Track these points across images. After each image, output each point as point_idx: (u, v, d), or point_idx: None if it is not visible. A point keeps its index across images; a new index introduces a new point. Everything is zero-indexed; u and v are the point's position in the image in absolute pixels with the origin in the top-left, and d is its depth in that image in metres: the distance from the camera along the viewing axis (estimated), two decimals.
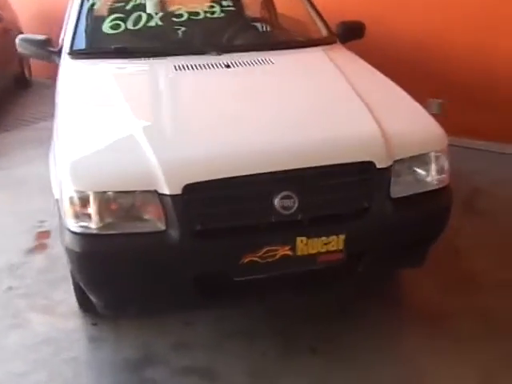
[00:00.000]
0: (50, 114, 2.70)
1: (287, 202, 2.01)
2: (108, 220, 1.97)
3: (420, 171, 2.22)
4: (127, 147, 2.08)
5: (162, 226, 1.96)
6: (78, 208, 1.97)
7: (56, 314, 2.69)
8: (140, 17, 2.96)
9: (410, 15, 4.23)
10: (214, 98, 2.46)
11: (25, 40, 2.99)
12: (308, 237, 2.03)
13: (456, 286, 2.76)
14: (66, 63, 2.84)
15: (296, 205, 2.02)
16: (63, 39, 2.97)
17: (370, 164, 2.10)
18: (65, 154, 2.10)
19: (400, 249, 2.22)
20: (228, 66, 2.69)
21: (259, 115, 2.29)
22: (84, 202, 1.96)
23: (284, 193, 2.01)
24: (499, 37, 3.96)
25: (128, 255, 1.98)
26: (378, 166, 2.11)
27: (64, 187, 2.00)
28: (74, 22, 2.96)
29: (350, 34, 3.19)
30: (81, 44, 2.95)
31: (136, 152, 2.03)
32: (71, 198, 1.98)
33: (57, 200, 2.21)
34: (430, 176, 2.23)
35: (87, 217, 1.97)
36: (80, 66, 2.81)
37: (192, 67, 2.68)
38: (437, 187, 2.24)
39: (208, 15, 3.01)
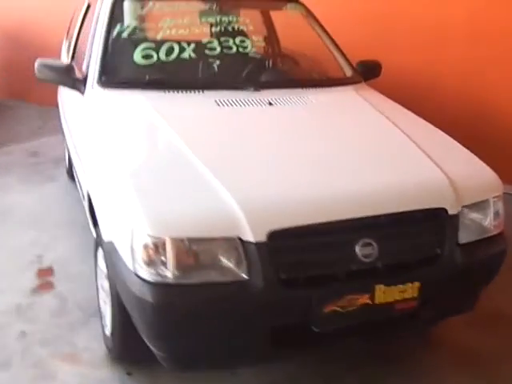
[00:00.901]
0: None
1: (368, 250, 1.96)
2: (186, 268, 1.84)
3: (480, 216, 2.24)
4: (201, 189, 1.96)
5: (244, 275, 1.85)
6: (152, 255, 1.83)
7: (83, 363, 2.47)
8: (172, 48, 2.85)
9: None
10: (270, 136, 2.39)
11: (45, 66, 2.80)
12: (386, 285, 1.98)
13: (487, 324, 2.78)
14: (95, 93, 2.69)
15: (376, 252, 1.97)
16: (88, 66, 2.81)
17: (443, 210, 2.10)
18: (133, 197, 1.95)
19: (461, 294, 2.23)
20: (270, 104, 2.63)
21: (322, 157, 2.23)
22: (159, 248, 1.83)
23: (365, 240, 1.96)
24: None
25: (207, 306, 1.86)
26: (450, 213, 2.11)
27: (135, 232, 1.86)
28: (101, 49, 2.80)
29: (368, 73, 3.23)
30: (112, 73, 2.79)
31: (212, 195, 1.93)
32: (145, 245, 1.84)
33: (110, 242, 2.07)
34: (489, 221, 2.25)
35: (162, 264, 1.83)
36: (114, 97, 2.66)
37: (233, 103, 2.60)
38: (495, 232, 2.27)
39: (240, 50, 2.95)
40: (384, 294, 1.98)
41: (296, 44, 3.32)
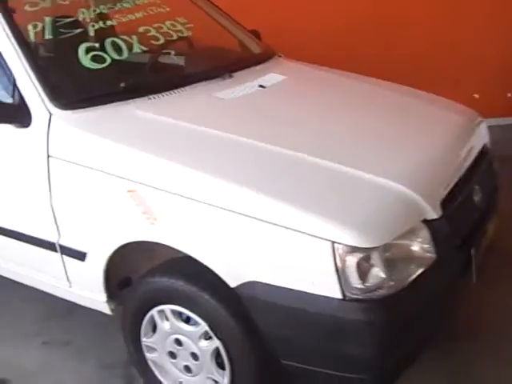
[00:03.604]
0: None
1: (478, 195, 2.10)
2: (394, 273, 1.65)
3: None
4: (354, 187, 1.76)
5: (433, 255, 1.75)
6: (365, 269, 1.60)
7: None
8: (115, 43, 2.26)
9: None
10: (313, 116, 2.20)
11: None
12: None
13: None
14: (58, 120, 1.99)
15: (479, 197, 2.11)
16: (21, 91, 2.02)
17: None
18: (303, 215, 1.63)
19: None
20: (262, 87, 2.38)
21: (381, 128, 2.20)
22: (369, 260, 1.61)
23: (476, 187, 2.10)
24: None
25: (426, 300, 1.73)
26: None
27: (339, 249, 1.57)
28: (29, 61, 2.04)
29: None
30: (68, 90, 2.09)
31: (375, 189, 1.76)
32: (358, 260, 1.58)
33: (252, 282, 1.69)
34: None
35: (374, 277, 1.62)
36: (95, 118, 2.01)
37: (228, 94, 2.27)
38: None
39: (180, 35, 2.52)
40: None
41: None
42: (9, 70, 2.07)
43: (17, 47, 2.08)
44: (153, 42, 2.40)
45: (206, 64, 2.55)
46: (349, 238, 1.59)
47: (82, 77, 2.18)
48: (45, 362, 2.49)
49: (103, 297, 2.13)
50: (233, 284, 1.76)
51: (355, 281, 1.60)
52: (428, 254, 1.75)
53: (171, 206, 1.82)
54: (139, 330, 2.06)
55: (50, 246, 2.16)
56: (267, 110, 2.24)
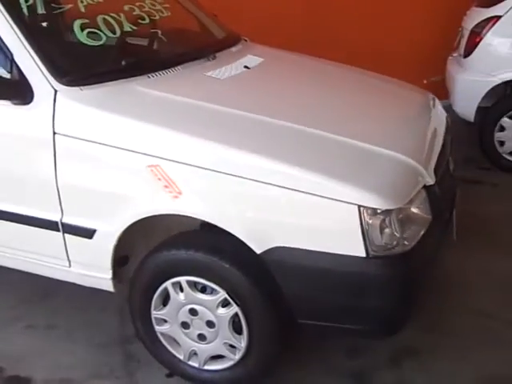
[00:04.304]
0: None
1: None
2: (406, 233, 1.85)
3: None
4: (368, 158, 1.93)
5: (429, 217, 1.97)
6: (387, 229, 1.78)
7: None
8: (106, 20, 2.23)
9: None
10: (307, 95, 2.33)
11: None
12: None
13: None
14: (63, 97, 1.97)
15: None
16: (21, 67, 1.97)
17: None
18: (328, 181, 1.77)
19: None
20: (247, 67, 2.47)
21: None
22: (388, 221, 1.78)
23: None
24: None
25: (430, 255, 1.95)
26: None
27: (365, 212, 1.74)
28: (26, 37, 1.98)
29: None
30: (72, 66, 2.05)
31: (385, 160, 1.95)
32: (381, 221, 1.76)
33: (279, 248, 1.80)
34: None
35: (393, 237, 1.79)
36: (101, 95, 2.00)
37: (219, 74, 2.34)
38: None
39: (161, 14, 2.52)
40: None
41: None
42: (5, 45, 2.00)
43: (11, 21, 2.02)
44: (139, 20, 2.41)
45: (190, 45, 2.60)
46: (373, 201, 1.76)
47: (82, 54, 2.16)
48: (34, 345, 2.45)
49: (109, 274, 2.14)
50: (259, 250, 1.87)
51: (377, 240, 1.78)
52: (426, 216, 1.97)
53: (196, 179, 1.88)
54: (150, 303, 2.10)
55: (50, 224, 2.13)
56: (263, 88, 2.36)
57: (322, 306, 1.91)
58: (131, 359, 2.37)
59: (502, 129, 4.06)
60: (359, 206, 1.75)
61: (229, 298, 1.97)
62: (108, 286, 2.20)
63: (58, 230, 2.13)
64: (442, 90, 4.51)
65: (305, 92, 2.39)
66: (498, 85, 4.02)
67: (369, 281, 1.82)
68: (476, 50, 4.06)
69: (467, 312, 2.58)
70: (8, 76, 2.00)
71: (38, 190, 2.11)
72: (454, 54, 4.61)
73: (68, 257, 2.19)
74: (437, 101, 2.74)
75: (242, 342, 2.03)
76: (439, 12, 5.15)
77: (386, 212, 1.78)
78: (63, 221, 2.10)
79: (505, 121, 4.04)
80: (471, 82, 4.10)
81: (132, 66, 2.20)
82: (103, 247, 2.08)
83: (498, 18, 3.95)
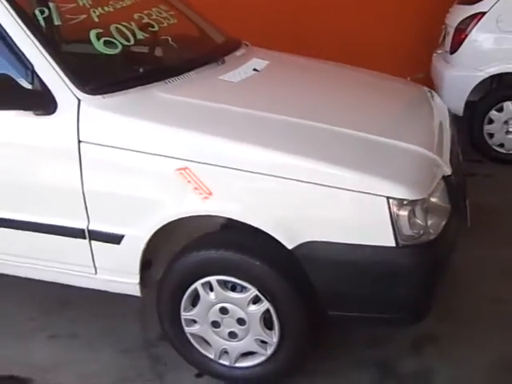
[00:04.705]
0: None
1: None
2: (432, 222, 1.92)
3: None
4: (392, 152, 2.01)
5: (448, 206, 2.04)
6: (413, 219, 1.84)
7: None
8: (119, 28, 2.26)
9: None
10: (319, 94, 2.40)
11: None
12: None
13: None
14: (87, 105, 1.99)
15: None
16: (42, 78, 1.99)
17: None
18: (358, 174, 1.85)
19: None
20: (256, 70, 2.53)
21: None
22: (415, 211, 1.85)
23: None
24: None
25: (452, 242, 2.03)
26: None
27: (393, 202, 1.81)
28: (46, 48, 2.00)
29: None
30: (93, 75, 2.08)
31: (408, 153, 2.03)
32: (409, 211, 1.82)
33: (311, 242, 1.86)
34: None
35: (420, 226, 1.87)
36: (124, 103, 2.04)
37: (233, 78, 2.39)
38: None
39: (169, 22, 2.56)
40: None
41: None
42: (25, 57, 2.02)
43: (29, 33, 2.04)
44: (150, 28, 2.45)
45: (199, 50, 2.65)
46: (401, 192, 1.83)
47: (101, 62, 2.20)
48: (58, 355, 2.46)
49: (136, 279, 2.17)
50: (290, 246, 1.92)
51: (406, 230, 1.84)
52: (445, 205, 2.05)
53: (225, 179, 1.93)
54: (179, 304, 2.14)
55: (76, 233, 2.15)
56: (277, 89, 2.42)
57: (353, 297, 1.97)
58: (158, 362, 2.39)
59: (491, 121, 4.20)
60: (388, 198, 1.82)
61: (260, 295, 2.02)
62: (135, 290, 2.22)
63: (85, 238, 2.15)
64: (426, 86, 4.69)
65: (317, 92, 2.46)
66: (484, 79, 4.16)
67: (398, 270, 1.89)
68: (462, 46, 4.19)
69: (479, 298, 2.67)
70: (29, 87, 2.02)
71: (63, 199, 2.13)
72: (439, 51, 4.75)
73: (94, 264, 2.20)
74: (435, 94, 2.85)
75: (273, 338, 2.08)
76: (422, 10, 5.29)
77: (413, 202, 1.85)
78: (90, 228, 2.13)
79: (493, 114, 4.18)
80: (459, 78, 4.23)
81: (150, 72, 2.25)
82: (132, 252, 2.11)
83: (483, 14, 4.09)
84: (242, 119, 2.07)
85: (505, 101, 4.12)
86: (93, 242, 2.15)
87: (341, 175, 1.86)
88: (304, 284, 1.99)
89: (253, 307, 2.05)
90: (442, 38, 4.67)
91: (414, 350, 2.40)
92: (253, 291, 2.03)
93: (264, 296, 2.02)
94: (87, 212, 2.11)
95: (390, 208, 1.82)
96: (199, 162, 1.93)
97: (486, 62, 4.12)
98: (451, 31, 4.34)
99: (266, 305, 2.03)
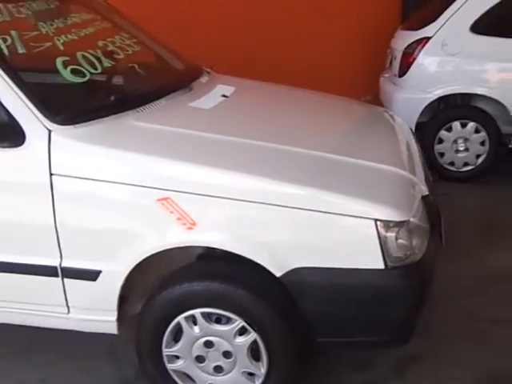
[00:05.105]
0: None
1: None
2: (413, 244, 1.92)
3: None
4: (373, 175, 2.02)
5: (428, 226, 2.06)
6: (401, 240, 1.84)
7: None
8: (85, 56, 2.17)
9: None
10: (289, 120, 2.39)
11: None
12: None
13: None
14: (58, 137, 1.90)
15: None
16: (8, 109, 1.88)
17: None
18: (344, 198, 1.84)
19: None
20: (225, 96, 2.50)
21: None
22: (401, 232, 1.85)
23: None
24: None
25: (432, 260, 2.03)
26: None
27: (380, 224, 1.81)
28: (11, 78, 1.89)
29: None
30: (61, 105, 1.96)
31: (389, 175, 2.05)
32: (396, 233, 1.83)
33: (298, 269, 1.83)
34: None
35: (406, 248, 1.87)
36: (97, 133, 1.95)
37: (202, 104, 2.35)
38: None
39: (133, 49, 2.50)
40: None
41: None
42: None
43: None
44: (115, 56, 2.38)
45: (165, 77, 2.60)
46: (388, 214, 1.83)
47: (70, 91, 2.10)
48: None
49: (114, 316, 2.06)
50: (279, 273, 1.88)
51: (394, 251, 1.84)
52: (425, 225, 2.07)
53: (209, 208, 1.87)
54: (160, 340, 2.04)
55: (47, 270, 2.02)
56: (250, 115, 2.41)
57: (342, 322, 1.95)
58: None
59: (441, 141, 4.35)
60: (376, 220, 1.82)
61: (247, 326, 1.97)
62: (112, 328, 2.11)
63: (57, 276, 2.03)
64: None
65: (287, 116, 2.46)
66: (433, 101, 4.33)
67: (388, 291, 1.88)
68: (410, 69, 4.34)
69: (448, 314, 2.71)
70: None
71: (32, 236, 2.01)
72: (386, 75, 4.90)
73: (67, 303, 2.08)
74: (394, 114, 2.91)
75: (261, 369, 2.02)
76: (367, 35, 5.50)
77: (399, 224, 1.85)
78: (63, 265, 2.01)
79: (442, 133, 4.33)
80: (409, 100, 4.37)
81: (121, 100, 2.18)
82: (109, 288, 2.00)
83: (428, 38, 4.27)
84: (221, 147, 2.03)
85: (453, 121, 4.30)
86: (66, 279, 2.03)
87: (327, 199, 1.84)
88: (292, 312, 1.95)
89: (240, 339, 1.99)
90: (388, 61, 4.84)
91: (399, 371, 2.39)
92: (239, 322, 1.97)
93: (251, 327, 1.97)
94: (60, 248, 2.00)
95: (377, 230, 1.82)
96: (181, 192, 1.87)
97: (434, 84, 4.28)
98: (399, 55, 4.50)
99: (253, 336, 1.97)
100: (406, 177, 2.08)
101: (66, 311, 2.10)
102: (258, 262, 1.89)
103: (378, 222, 1.82)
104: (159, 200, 1.88)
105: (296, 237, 1.87)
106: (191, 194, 1.87)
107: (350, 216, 1.83)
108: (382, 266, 1.84)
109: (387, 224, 1.83)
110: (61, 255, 2.01)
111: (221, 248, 1.91)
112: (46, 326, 2.19)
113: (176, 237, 1.90)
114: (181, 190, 1.87)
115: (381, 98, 4.91)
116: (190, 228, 1.88)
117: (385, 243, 1.83)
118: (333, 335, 1.99)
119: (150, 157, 1.92)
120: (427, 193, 2.11)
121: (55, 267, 2.01)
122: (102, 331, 2.14)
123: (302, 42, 5.41)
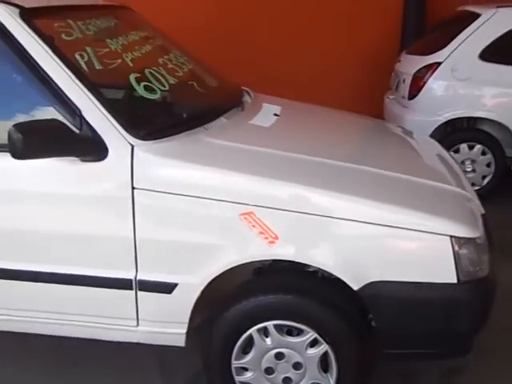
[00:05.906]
0: None
1: None
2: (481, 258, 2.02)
3: None
4: (434, 192, 2.12)
5: (487, 243, 2.13)
6: (472, 256, 1.95)
7: None
8: (153, 74, 2.22)
9: None
10: (348, 140, 2.48)
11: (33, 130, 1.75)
12: None
13: None
14: (140, 151, 1.95)
15: None
16: (91, 124, 1.93)
17: None
18: (418, 214, 1.93)
19: None
20: (276, 115, 2.57)
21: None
22: (472, 249, 1.95)
23: None
24: None
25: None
26: None
27: (455, 241, 1.90)
28: (93, 93, 1.94)
29: None
30: (141, 120, 2.02)
31: (448, 192, 2.16)
32: (468, 249, 1.93)
33: (375, 282, 1.91)
34: None
35: (476, 263, 1.97)
36: (173, 148, 2.01)
37: (261, 123, 2.44)
38: None
39: (188, 67, 2.55)
40: None
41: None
42: (72, 102, 1.95)
43: (75, 79, 1.97)
44: (176, 73, 2.43)
45: (220, 96, 2.67)
46: (462, 231, 1.93)
47: (145, 107, 2.14)
48: None
49: (184, 328, 2.09)
50: (356, 287, 1.95)
51: (466, 266, 1.95)
52: (486, 241, 2.16)
53: (291, 223, 1.94)
54: (230, 353, 2.08)
55: (121, 283, 2.05)
56: (309, 133, 2.49)
57: (413, 334, 2.03)
58: None
59: None
60: (451, 237, 1.92)
61: (319, 338, 2.03)
62: (180, 340, 2.14)
63: (131, 288, 2.05)
64: None
65: (340, 135, 2.57)
66: (441, 124, 4.50)
67: (459, 305, 1.97)
68: (421, 92, 4.51)
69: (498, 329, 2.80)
70: (77, 132, 1.94)
71: (109, 249, 2.03)
72: (391, 96, 5.08)
73: (137, 315, 2.10)
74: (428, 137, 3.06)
75: (330, 380, 2.08)
76: (369, 60, 5.71)
77: (470, 240, 1.96)
78: (138, 278, 2.04)
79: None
80: (419, 122, 4.52)
81: (192, 117, 2.22)
82: (184, 301, 2.04)
83: (439, 64, 4.46)
84: (296, 163, 2.11)
85: (461, 143, 4.49)
86: (140, 292, 2.06)
87: (405, 216, 1.93)
88: (363, 324, 2.03)
89: (311, 350, 2.05)
90: (395, 84, 5.01)
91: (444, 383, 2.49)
92: (311, 334, 2.03)
93: (323, 338, 2.03)
94: (136, 261, 2.03)
95: (452, 246, 1.92)
96: (264, 207, 1.93)
97: (443, 107, 4.47)
98: (408, 78, 4.67)
99: (324, 347, 2.04)
100: (465, 196, 2.20)
101: (135, 324, 2.12)
102: (337, 275, 1.96)
103: (453, 239, 1.92)
104: (242, 214, 1.94)
105: (374, 251, 1.95)
106: (273, 208, 1.93)
107: (427, 232, 1.92)
108: (455, 280, 1.94)
109: (460, 240, 1.94)
110: (136, 268, 2.04)
111: (302, 262, 1.97)
112: (111, 339, 2.20)
113: (258, 250, 1.96)
114: (264, 205, 1.93)
115: (385, 119, 5.08)
116: (271, 242, 1.94)
117: (458, 258, 1.93)
118: (400, 347, 2.07)
119: (231, 172, 1.98)
120: (483, 211, 2.23)
121: (130, 280, 2.04)
122: (169, 343, 2.17)
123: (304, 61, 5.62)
